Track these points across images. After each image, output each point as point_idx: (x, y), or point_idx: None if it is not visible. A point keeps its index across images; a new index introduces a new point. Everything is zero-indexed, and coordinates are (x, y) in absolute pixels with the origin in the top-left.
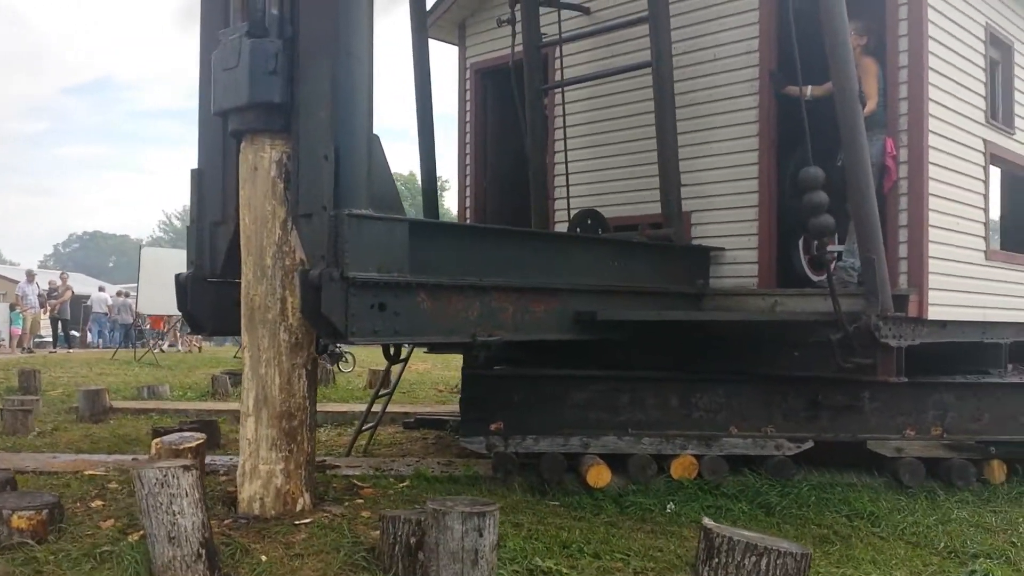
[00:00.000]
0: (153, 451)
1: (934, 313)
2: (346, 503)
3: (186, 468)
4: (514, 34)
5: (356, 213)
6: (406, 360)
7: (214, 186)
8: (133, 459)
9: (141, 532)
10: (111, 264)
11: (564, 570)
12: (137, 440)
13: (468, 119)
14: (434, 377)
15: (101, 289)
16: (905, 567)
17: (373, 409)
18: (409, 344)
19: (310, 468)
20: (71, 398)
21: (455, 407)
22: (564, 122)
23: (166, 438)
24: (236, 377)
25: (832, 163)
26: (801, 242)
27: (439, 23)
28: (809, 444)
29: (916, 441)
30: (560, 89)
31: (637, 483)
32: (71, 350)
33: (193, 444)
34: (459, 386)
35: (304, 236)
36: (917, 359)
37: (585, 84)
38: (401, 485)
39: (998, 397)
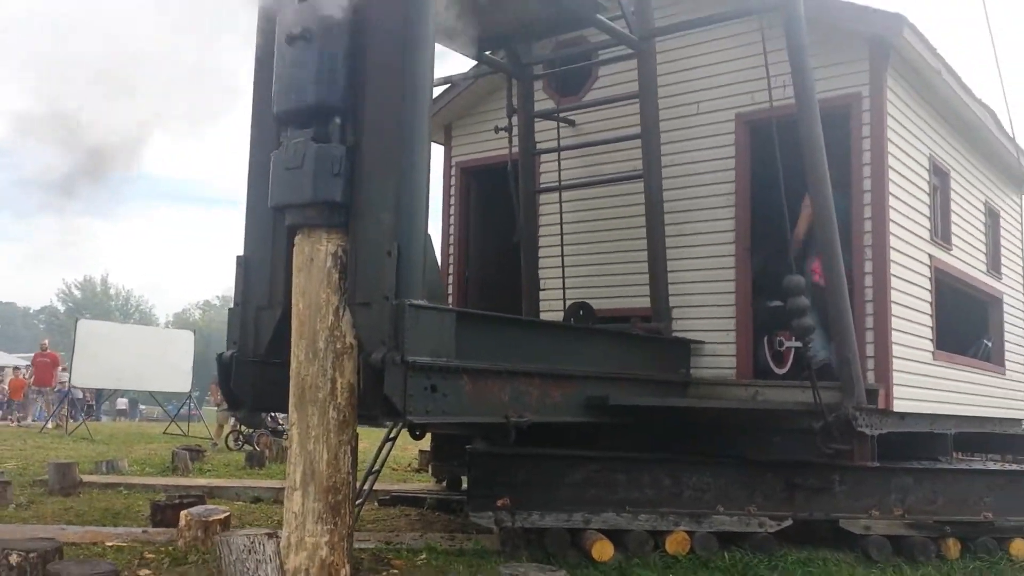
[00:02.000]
0: (183, 522)
1: (896, 406)
2: (383, 574)
3: (269, 536)
4: (511, 140)
5: (415, 303)
6: (394, 439)
7: (261, 273)
8: (143, 531)
9: None
10: None
11: None
12: (123, 514)
13: (452, 213)
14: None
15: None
16: None
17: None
18: (452, 422)
19: (351, 540)
20: (27, 471)
21: (419, 484)
22: (561, 219)
23: (193, 510)
24: (194, 453)
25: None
26: (766, 339)
27: None
28: (788, 522)
29: (881, 520)
30: (555, 191)
31: (638, 557)
32: None
33: (221, 516)
34: (412, 465)
35: (360, 322)
36: (878, 447)
37: (577, 188)
38: (419, 559)
39: (949, 481)
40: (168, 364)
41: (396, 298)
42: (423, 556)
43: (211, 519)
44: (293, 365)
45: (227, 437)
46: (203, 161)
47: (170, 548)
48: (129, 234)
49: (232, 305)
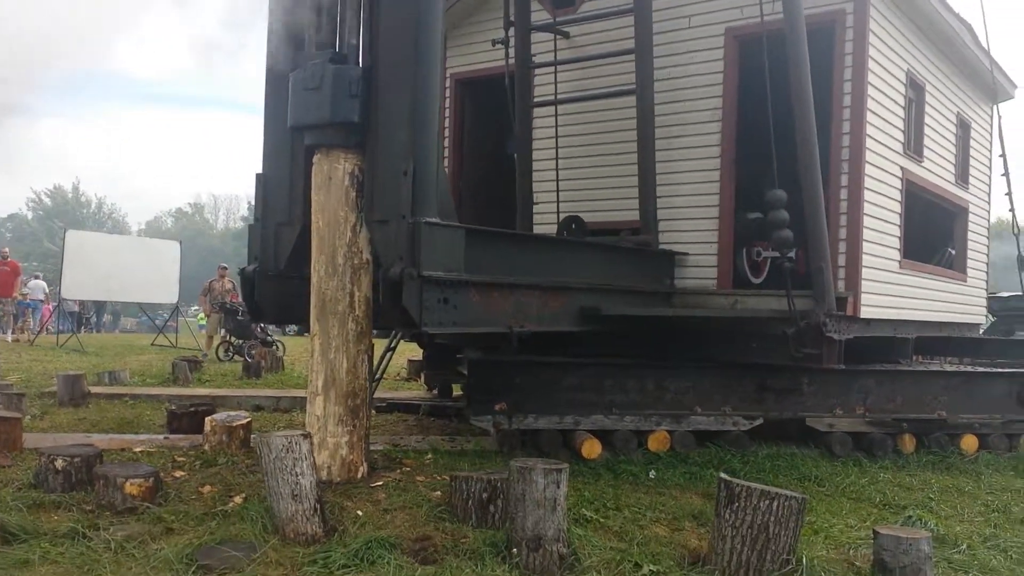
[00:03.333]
0: (208, 428)
1: (863, 312)
2: (397, 471)
3: (304, 436)
4: (508, 54)
5: (430, 221)
6: (395, 349)
7: (280, 191)
8: (164, 438)
9: (243, 495)
10: None
11: (601, 519)
12: (135, 423)
13: (446, 125)
14: None
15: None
16: (854, 515)
17: None
18: (463, 333)
19: (368, 441)
20: (33, 383)
21: (411, 392)
22: (556, 133)
23: (216, 417)
24: (193, 364)
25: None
26: (744, 249)
27: None
28: (760, 421)
29: (844, 418)
30: (552, 106)
31: (623, 454)
32: None
33: (244, 422)
34: (401, 374)
35: (378, 239)
36: (845, 351)
37: (571, 102)
38: (426, 458)
39: (908, 382)
40: (155, 275)
41: (412, 216)
42: (429, 456)
43: (235, 424)
44: (314, 280)
45: (217, 348)
46: (176, 60)
47: (198, 452)
48: (98, 138)
49: (252, 221)
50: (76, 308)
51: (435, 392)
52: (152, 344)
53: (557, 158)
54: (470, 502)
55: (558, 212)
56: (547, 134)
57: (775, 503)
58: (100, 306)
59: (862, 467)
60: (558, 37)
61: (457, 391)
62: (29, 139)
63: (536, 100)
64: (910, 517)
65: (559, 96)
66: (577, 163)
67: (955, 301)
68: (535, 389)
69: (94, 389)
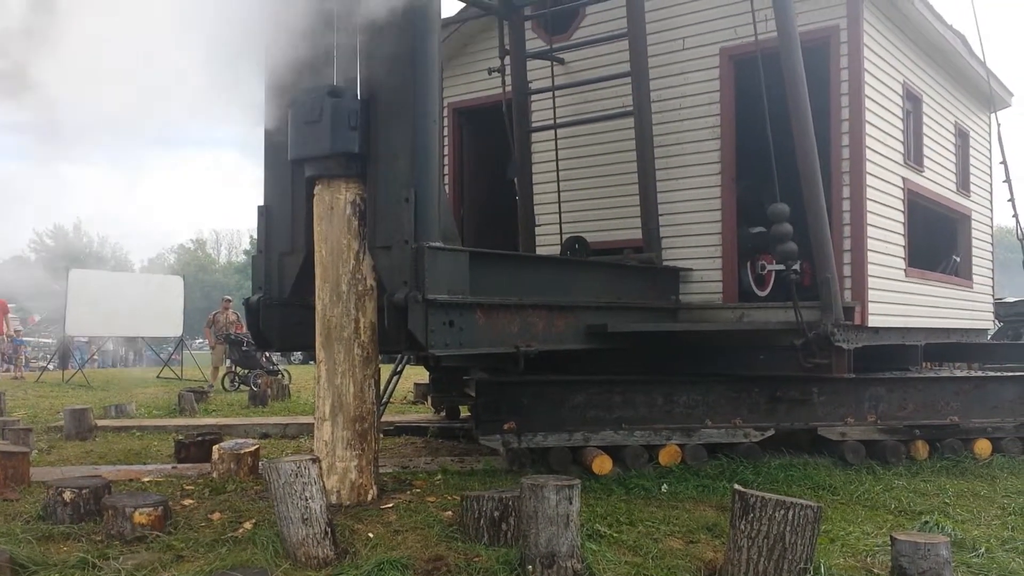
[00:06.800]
0: (216, 456)
1: (871, 321)
2: (407, 492)
3: (313, 460)
4: (504, 81)
5: (433, 245)
6: (401, 372)
7: (282, 222)
8: (172, 467)
9: (252, 521)
10: None
11: (615, 534)
12: (143, 454)
13: (446, 153)
14: None
15: None
16: (870, 523)
17: None
18: (469, 354)
19: (377, 464)
20: (39, 418)
21: (419, 415)
22: (557, 156)
23: (224, 445)
24: (199, 395)
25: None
26: (748, 263)
27: None
28: (771, 432)
29: (856, 427)
30: (550, 130)
31: (634, 469)
32: None
33: (252, 449)
34: (408, 398)
35: (382, 265)
36: (854, 360)
37: (569, 126)
38: (436, 479)
39: (919, 389)
40: (159, 310)
41: (415, 241)
42: (439, 476)
43: (243, 452)
44: (318, 307)
45: (223, 379)
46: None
47: (206, 480)
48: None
49: (256, 252)
50: (110, 347)
51: (443, 414)
52: (158, 376)
53: (558, 180)
54: (482, 521)
55: (561, 233)
56: (547, 158)
57: (790, 512)
58: (131, 343)
59: (876, 475)
60: (554, 63)
61: (465, 412)
62: (27, 181)
63: (534, 125)
64: (927, 522)
65: (558, 120)
66: (578, 185)
67: (962, 307)
68: (543, 407)
69: (101, 422)
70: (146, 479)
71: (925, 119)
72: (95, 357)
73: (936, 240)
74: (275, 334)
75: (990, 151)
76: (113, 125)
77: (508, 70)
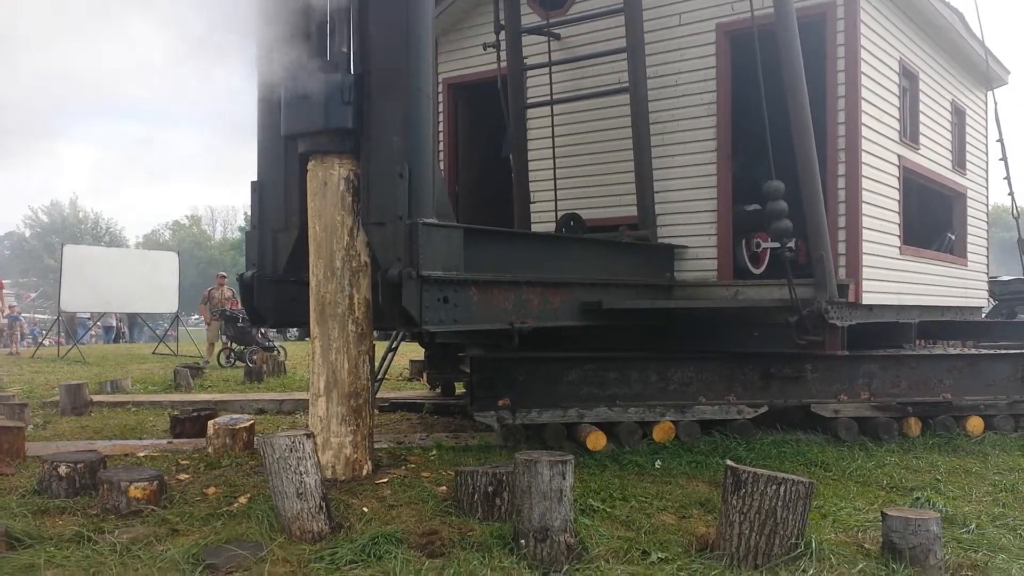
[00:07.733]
0: (211, 431)
1: (865, 299)
2: (402, 468)
3: (308, 435)
4: (499, 57)
5: (427, 222)
6: (396, 349)
7: (275, 198)
8: (168, 442)
9: (247, 496)
10: None
11: (608, 509)
12: (138, 429)
13: (440, 130)
14: None
15: None
16: (861, 499)
17: None
18: (464, 330)
19: (371, 440)
20: (35, 393)
21: (414, 391)
22: (552, 133)
23: (219, 420)
24: (195, 371)
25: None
26: (743, 241)
27: None
28: (764, 409)
29: (849, 404)
30: (546, 106)
31: (628, 445)
32: None
33: (247, 424)
34: (403, 374)
35: (376, 241)
36: (848, 337)
37: (565, 102)
38: (431, 455)
39: (912, 366)
40: (154, 286)
41: (409, 217)
42: (434, 452)
43: (238, 427)
44: (312, 283)
45: (219, 355)
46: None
47: (202, 455)
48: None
49: (249, 228)
50: (113, 323)
51: (438, 391)
52: (153, 353)
53: (554, 157)
54: (476, 496)
55: (556, 210)
56: (542, 134)
57: (782, 488)
58: (132, 319)
59: (868, 451)
60: (550, 39)
61: (460, 389)
62: (24, 157)
63: (530, 101)
64: (918, 499)
65: (554, 96)
66: (573, 161)
67: (956, 285)
68: (538, 384)
69: (96, 398)
70: (141, 454)
71: (921, 96)
72: (94, 332)
73: (931, 218)
74: (269, 310)
75: (986, 129)
76: (99, 101)
77: (503, 45)
